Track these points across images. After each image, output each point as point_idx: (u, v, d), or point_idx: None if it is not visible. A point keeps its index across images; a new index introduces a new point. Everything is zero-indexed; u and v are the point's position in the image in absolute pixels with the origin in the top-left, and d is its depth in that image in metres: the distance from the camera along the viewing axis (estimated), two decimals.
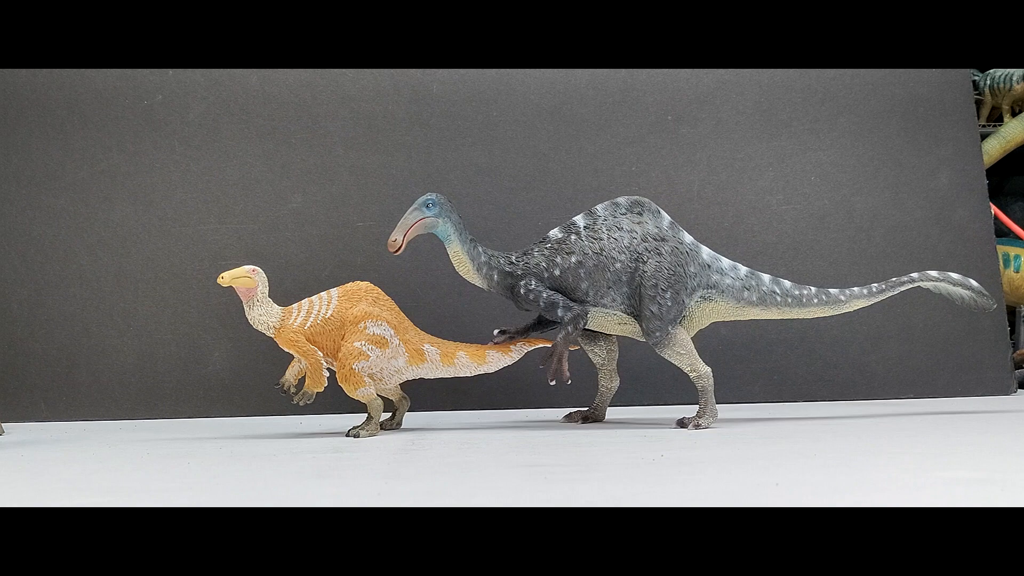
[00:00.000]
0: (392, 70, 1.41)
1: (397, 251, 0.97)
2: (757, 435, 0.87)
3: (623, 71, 1.45)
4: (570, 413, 1.12)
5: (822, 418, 1.07)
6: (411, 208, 0.98)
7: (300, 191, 1.38)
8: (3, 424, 1.18)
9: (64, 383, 1.32)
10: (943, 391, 1.41)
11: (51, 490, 0.59)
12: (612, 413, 1.19)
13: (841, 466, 0.63)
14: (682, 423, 0.98)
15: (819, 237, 1.43)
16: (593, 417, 1.09)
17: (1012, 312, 2.00)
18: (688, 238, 1.00)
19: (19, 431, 1.13)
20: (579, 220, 1.00)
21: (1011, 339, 1.70)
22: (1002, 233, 1.91)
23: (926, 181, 1.47)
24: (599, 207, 1.01)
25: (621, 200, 1.01)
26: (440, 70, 1.42)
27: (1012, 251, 1.92)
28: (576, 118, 1.43)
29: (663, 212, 1.01)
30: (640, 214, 1.00)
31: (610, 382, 1.09)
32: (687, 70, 1.45)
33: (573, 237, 0.99)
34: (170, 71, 1.39)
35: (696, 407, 1.23)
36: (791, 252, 1.43)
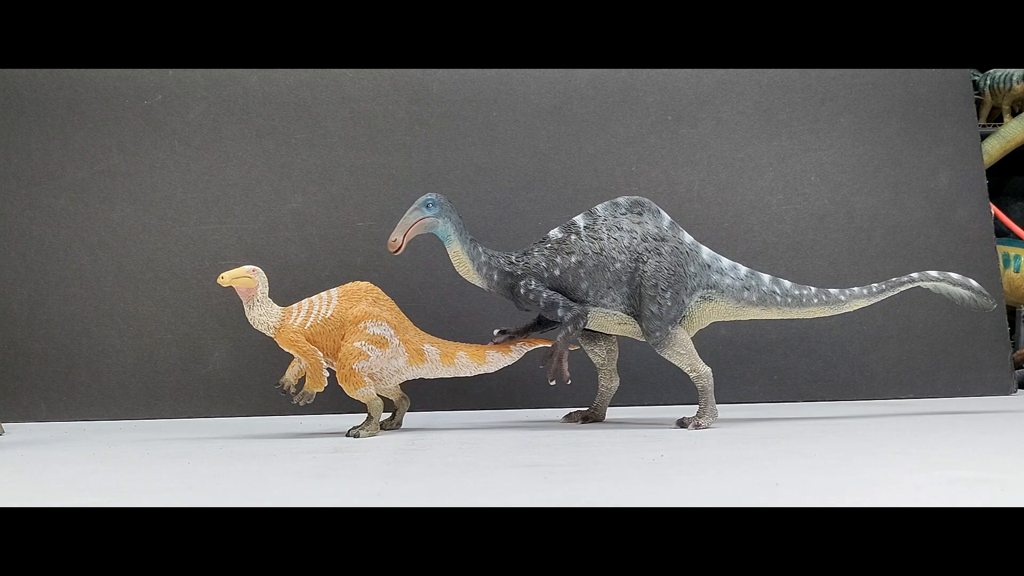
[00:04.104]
0: (392, 70, 1.41)
1: (397, 251, 0.97)
2: (757, 435, 0.87)
3: (623, 71, 1.45)
4: (570, 413, 1.12)
5: (822, 418, 1.07)
6: (411, 208, 0.98)
7: (300, 191, 1.38)
8: (3, 424, 1.18)
9: (64, 383, 1.32)
10: (943, 391, 1.41)
11: (51, 490, 0.59)
12: (612, 413, 1.19)
13: (841, 466, 0.63)
14: (682, 423, 0.98)
15: (819, 237, 1.43)
16: (593, 417, 1.09)
17: (1012, 312, 2.00)
18: (688, 238, 1.00)
19: (19, 431, 1.13)
20: (579, 220, 1.00)
21: (1011, 339, 1.70)
22: (1002, 233, 1.91)
23: (926, 181, 1.47)
24: (599, 207, 1.01)
25: (621, 200, 1.01)
26: (440, 70, 1.42)
27: (1012, 251, 1.92)
28: (576, 118, 1.43)
29: (663, 212, 1.01)
30: (640, 214, 1.00)
31: (610, 382, 1.09)
32: (687, 70, 1.45)
33: (573, 237, 0.99)
34: (170, 71, 1.39)
35: (696, 407, 1.23)
36: (791, 252, 1.43)
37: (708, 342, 1.25)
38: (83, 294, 1.34)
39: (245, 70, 1.40)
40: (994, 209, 1.73)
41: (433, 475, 0.62)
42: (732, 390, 1.36)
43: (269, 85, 1.40)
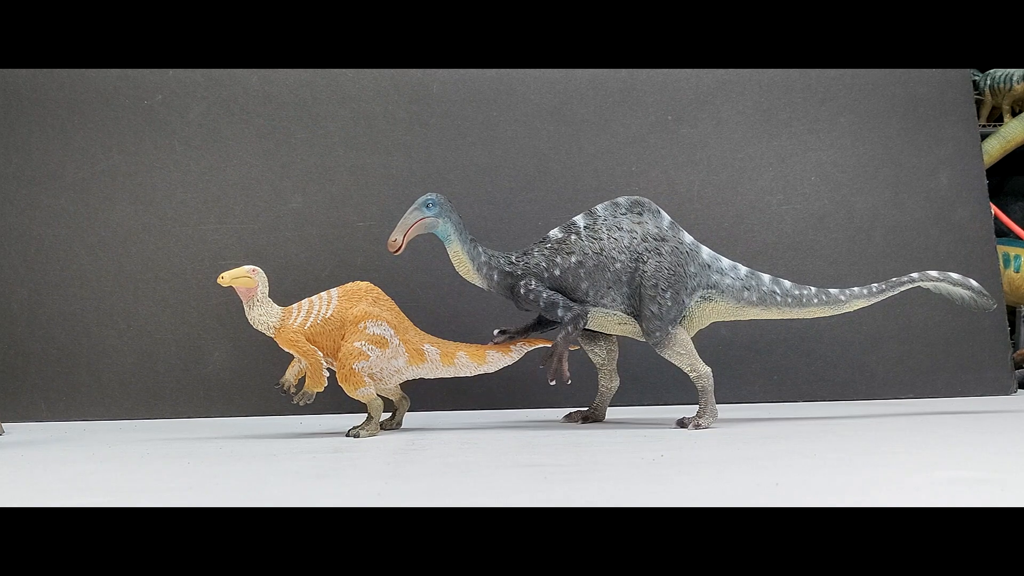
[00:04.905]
0: (392, 70, 1.41)
1: (397, 251, 0.97)
2: (757, 435, 0.87)
3: (623, 71, 1.45)
4: (570, 413, 1.12)
5: (822, 418, 1.07)
6: (411, 208, 0.98)
7: (300, 191, 1.38)
8: (3, 424, 1.18)
9: (64, 383, 1.32)
10: (943, 391, 1.41)
11: (51, 490, 0.59)
12: (612, 413, 1.19)
13: (841, 466, 0.63)
14: (682, 423, 0.98)
15: (819, 237, 1.43)
16: (593, 417, 1.09)
17: (1012, 312, 2.00)
18: (688, 238, 1.00)
19: (19, 431, 1.13)
20: (579, 220, 1.00)
21: (1011, 339, 1.70)
22: (1002, 233, 1.91)
23: (926, 181, 1.47)
24: (599, 207, 1.01)
25: (621, 200, 1.01)
26: (440, 70, 1.42)
27: (1012, 251, 1.92)
28: (576, 118, 1.43)
29: (663, 212, 1.01)
30: (640, 214, 1.00)
31: (610, 382, 1.09)
32: (687, 70, 1.45)
33: (573, 237, 0.99)
34: (170, 71, 1.39)
35: (696, 407, 1.23)
36: (791, 252, 1.43)
37: (708, 342, 1.25)
38: (83, 294, 1.34)
39: (245, 70, 1.40)
40: (994, 209, 1.73)
41: (433, 475, 0.62)
42: (732, 390, 1.36)
43: (269, 85, 1.40)
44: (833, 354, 1.40)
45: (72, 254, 1.35)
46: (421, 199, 0.97)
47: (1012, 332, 1.99)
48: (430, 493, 0.54)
